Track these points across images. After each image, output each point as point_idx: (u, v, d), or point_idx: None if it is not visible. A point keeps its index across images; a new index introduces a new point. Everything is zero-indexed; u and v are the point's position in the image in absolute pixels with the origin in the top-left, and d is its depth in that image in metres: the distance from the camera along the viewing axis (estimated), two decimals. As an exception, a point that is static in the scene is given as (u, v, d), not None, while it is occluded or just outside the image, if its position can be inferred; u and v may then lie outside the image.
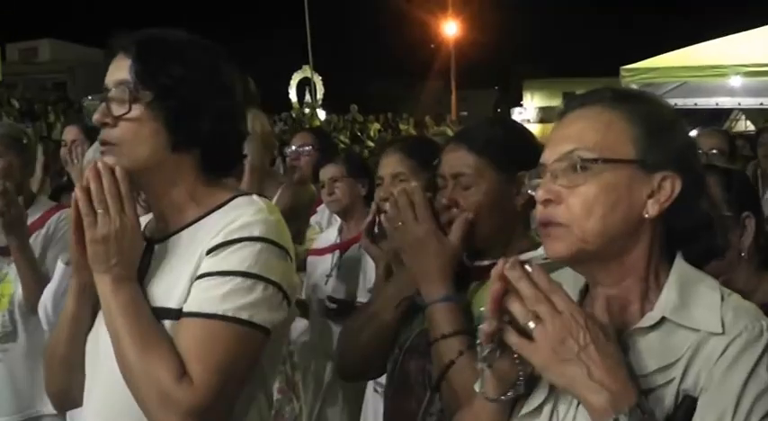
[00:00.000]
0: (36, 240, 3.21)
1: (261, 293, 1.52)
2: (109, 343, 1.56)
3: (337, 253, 3.36)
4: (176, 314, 1.53)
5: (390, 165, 2.67)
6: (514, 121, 2.47)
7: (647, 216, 1.29)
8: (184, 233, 1.61)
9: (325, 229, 3.78)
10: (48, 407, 3.13)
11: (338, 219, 3.56)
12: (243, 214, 1.55)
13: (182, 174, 1.60)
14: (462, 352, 1.69)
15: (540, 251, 1.87)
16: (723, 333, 1.23)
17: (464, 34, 35.33)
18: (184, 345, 1.49)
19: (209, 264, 1.52)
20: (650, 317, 1.29)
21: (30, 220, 3.22)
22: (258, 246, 1.52)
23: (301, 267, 3.40)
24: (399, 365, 1.92)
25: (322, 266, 3.36)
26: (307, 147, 4.33)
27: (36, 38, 35.65)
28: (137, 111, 1.54)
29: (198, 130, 1.57)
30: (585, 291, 1.41)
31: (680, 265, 1.33)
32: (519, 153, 1.86)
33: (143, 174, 1.59)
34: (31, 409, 3.20)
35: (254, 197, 1.64)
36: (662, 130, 1.32)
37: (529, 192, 1.38)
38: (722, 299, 1.28)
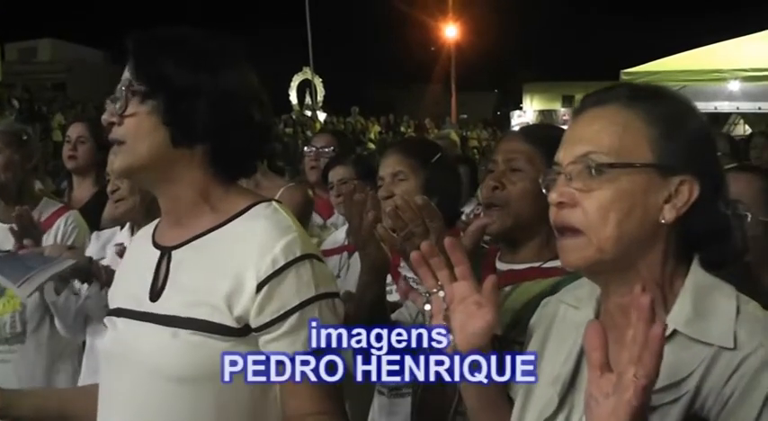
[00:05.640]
0: (46, 241, 3.22)
1: (332, 306, 1.54)
2: (143, 345, 1.53)
3: (345, 254, 3.39)
4: (202, 325, 1.49)
5: (390, 164, 2.67)
6: None
7: (663, 221, 1.23)
8: (203, 240, 1.57)
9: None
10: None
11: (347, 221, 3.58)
12: (271, 231, 1.52)
13: (189, 171, 1.57)
14: None
15: None
16: (735, 348, 1.16)
17: (464, 37, 35.33)
18: (304, 393, 1.50)
19: (275, 304, 1.48)
20: None
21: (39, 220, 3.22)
22: (307, 264, 1.51)
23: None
24: None
25: (329, 266, 3.36)
26: (328, 149, 4.32)
27: (35, 38, 35.62)
28: (133, 106, 1.53)
29: (195, 123, 1.53)
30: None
31: (696, 272, 1.26)
32: None
33: (149, 171, 1.57)
34: None
35: (274, 204, 1.60)
36: (680, 131, 1.26)
37: (543, 191, 1.34)
38: (738, 310, 1.21)
